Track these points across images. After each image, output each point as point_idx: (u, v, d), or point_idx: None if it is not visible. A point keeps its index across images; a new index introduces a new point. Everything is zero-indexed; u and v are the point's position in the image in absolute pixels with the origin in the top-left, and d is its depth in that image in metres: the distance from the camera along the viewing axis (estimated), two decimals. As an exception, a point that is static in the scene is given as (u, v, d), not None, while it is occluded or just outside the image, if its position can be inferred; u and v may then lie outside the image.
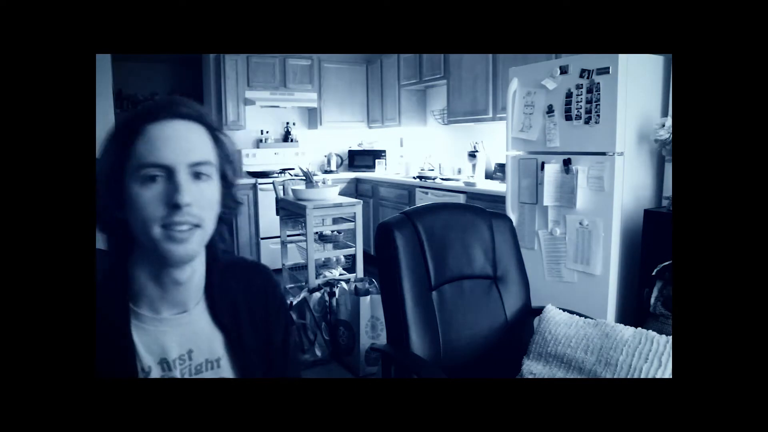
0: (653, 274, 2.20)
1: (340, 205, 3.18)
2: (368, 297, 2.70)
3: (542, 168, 2.72)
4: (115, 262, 0.76)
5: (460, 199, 3.66)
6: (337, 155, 5.50)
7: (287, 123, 5.36)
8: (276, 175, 4.66)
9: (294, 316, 2.83)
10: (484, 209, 1.79)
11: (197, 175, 0.73)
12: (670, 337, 1.36)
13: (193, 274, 0.78)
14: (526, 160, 2.86)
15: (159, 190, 0.70)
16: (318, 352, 2.79)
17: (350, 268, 3.35)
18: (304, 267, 3.21)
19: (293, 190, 3.26)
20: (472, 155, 4.05)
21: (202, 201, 0.72)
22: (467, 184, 3.75)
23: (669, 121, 2.36)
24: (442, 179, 4.19)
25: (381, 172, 5.19)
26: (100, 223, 0.74)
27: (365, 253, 3.36)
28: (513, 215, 2.92)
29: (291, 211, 3.31)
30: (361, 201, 3.35)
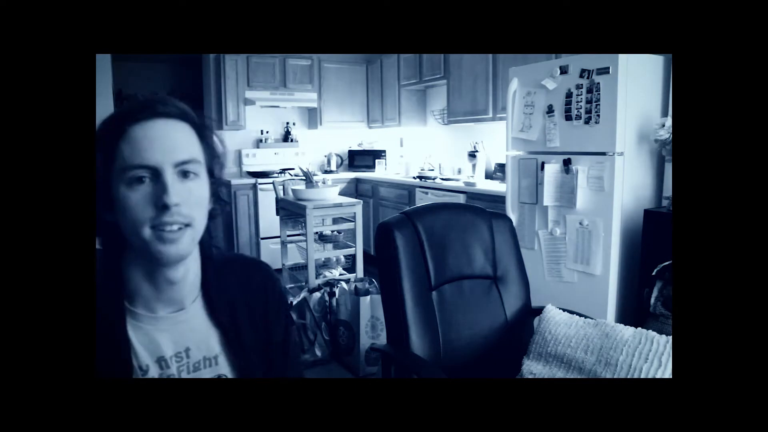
0: (653, 274, 2.20)
1: (340, 205, 3.18)
2: (368, 297, 2.70)
3: (542, 168, 2.72)
4: (110, 263, 0.76)
5: (460, 199, 3.66)
6: (337, 155, 5.50)
7: (287, 123, 5.36)
8: (276, 175, 4.66)
9: (294, 316, 2.83)
10: (484, 209, 1.79)
11: (185, 174, 0.72)
12: (670, 337, 1.36)
13: (187, 272, 0.78)
14: (526, 160, 2.86)
15: (146, 192, 0.70)
16: (318, 352, 2.79)
17: (350, 268, 3.35)
18: (304, 267, 3.21)
19: (293, 190, 3.26)
20: (472, 155, 4.05)
21: (191, 200, 0.72)
22: (467, 184, 3.75)
23: (669, 121, 2.36)
24: (442, 179, 4.19)
25: (381, 172, 5.19)
26: None
27: (365, 253, 3.36)
28: (513, 215, 2.92)
29: (291, 211, 3.31)
30: (361, 201, 3.35)
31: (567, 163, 2.60)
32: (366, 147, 5.53)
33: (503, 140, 3.04)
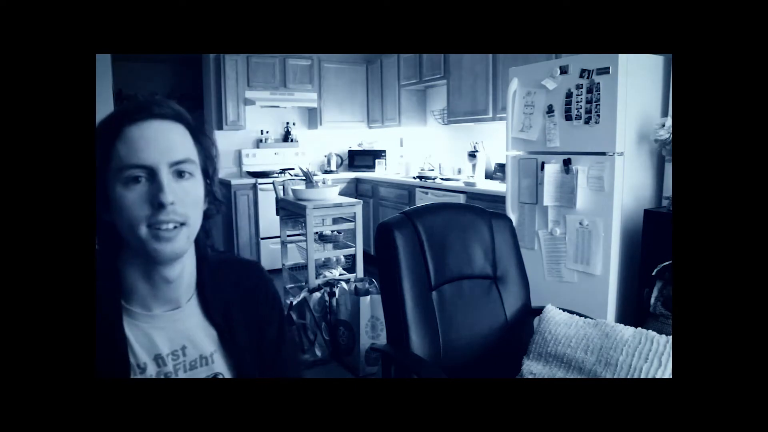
0: (653, 274, 2.20)
1: (340, 205, 3.18)
2: (368, 297, 2.70)
3: (542, 168, 2.72)
4: (107, 262, 0.77)
5: (460, 199, 3.67)
6: (337, 155, 5.50)
7: (287, 123, 5.36)
8: (276, 175, 4.66)
9: (294, 316, 2.83)
10: (484, 209, 1.79)
11: (180, 174, 0.74)
12: (670, 337, 1.36)
13: (183, 271, 0.79)
14: (526, 160, 2.86)
15: (143, 191, 0.71)
16: (318, 352, 2.79)
17: (350, 268, 3.35)
18: (304, 267, 3.22)
19: (293, 190, 3.26)
20: (472, 155, 4.05)
21: (186, 199, 0.74)
22: (467, 184, 3.75)
23: (669, 121, 2.36)
24: (442, 179, 4.19)
25: (381, 172, 5.19)
26: None
27: (365, 253, 3.36)
28: (513, 215, 2.92)
29: (291, 211, 3.31)
30: (361, 201, 3.35)
31: (567, 163, 2.60)
32: (366, 147, 5.53)
33: (503, 140, 3.04)
